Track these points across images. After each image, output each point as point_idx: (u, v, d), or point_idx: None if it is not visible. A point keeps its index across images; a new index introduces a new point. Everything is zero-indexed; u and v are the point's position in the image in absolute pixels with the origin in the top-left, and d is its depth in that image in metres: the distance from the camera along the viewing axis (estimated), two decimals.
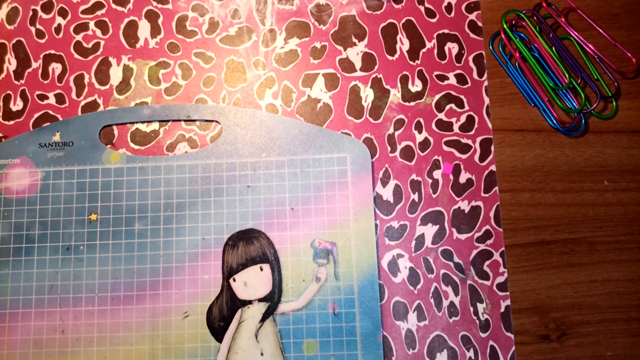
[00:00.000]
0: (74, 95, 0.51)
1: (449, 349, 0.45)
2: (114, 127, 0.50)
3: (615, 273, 0.47)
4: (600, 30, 0.51)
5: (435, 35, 0.51)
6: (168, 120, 0.50)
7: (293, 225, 0.47)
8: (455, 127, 0.49)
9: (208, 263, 0.46)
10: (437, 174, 0.49)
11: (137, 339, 0.45)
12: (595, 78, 0.50)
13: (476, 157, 0.49)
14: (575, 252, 0.47)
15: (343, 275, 0.46)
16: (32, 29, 0.53)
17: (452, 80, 0.50)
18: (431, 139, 0.49)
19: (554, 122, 0.49)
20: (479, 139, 0.49)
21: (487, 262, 0.47)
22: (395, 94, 0.50)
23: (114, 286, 0.46)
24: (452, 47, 0.51)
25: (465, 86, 0.50)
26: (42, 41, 0.52)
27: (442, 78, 0.50)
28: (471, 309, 0.46)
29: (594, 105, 0.49)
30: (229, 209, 0.47)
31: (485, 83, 0.50)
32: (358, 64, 0.51)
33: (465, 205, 0.48)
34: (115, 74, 0.51)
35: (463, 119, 0.50)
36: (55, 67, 0.52)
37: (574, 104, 0.49)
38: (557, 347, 0.46)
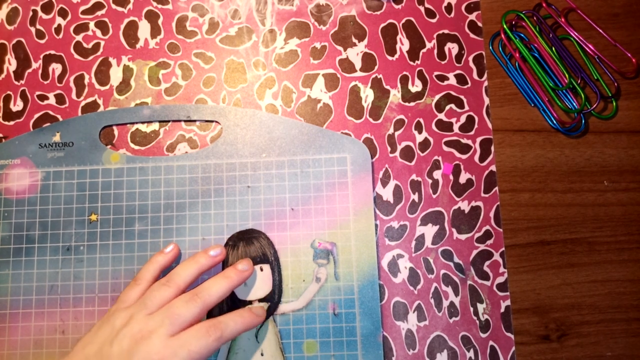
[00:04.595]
0: (74, 96, 0.51)
1: (449, 349, 0.45)
2: (114, 128, 0.50)
3: (615, 273, 0.47)
4: (600, 30, 0.51)
5: (435, 36, 0.51)
6: (168, 121, 0.50)
7: (293, 226, 0.47)
8: (455, 128, 0.49)
9: None
10: (437, 174, 0.49)
11: None
12: (595, 78, 0.50)
13: (476, 158, 0.49)
14: (575, 252, 0.47)
15: (343, 276, 0.46)
16: (32, 30, 0.53)
17: (452, 81, 0.50)
18: (431, 139, 0.49)
19: (554, 122, 0.49)
20: (479, 139, 0.49)
21: (487, 263, 0.47)
22: (395, 94, 0.50)
23: (114, 287, 0.46)
24: (452, 48, 0.51)
25: (465, 86, 0.50)
26: (42, 41, 0.52)
27: (442, 78, 0.50)
28: (471, 309, 0.46)
29: (594, 106, 0.49)
30: (229, 210, 0.47)
31: (485, 83, 0.50)
32: (358, 64, 0.51)
33: (465, 206, 0.48)
34: (115, 75, 0.51)
35: (463, 119, 0.49)
36: (55, 68, 0.52)
37: (574, 104, 0.49)
38: (557, 347, 0.46)
